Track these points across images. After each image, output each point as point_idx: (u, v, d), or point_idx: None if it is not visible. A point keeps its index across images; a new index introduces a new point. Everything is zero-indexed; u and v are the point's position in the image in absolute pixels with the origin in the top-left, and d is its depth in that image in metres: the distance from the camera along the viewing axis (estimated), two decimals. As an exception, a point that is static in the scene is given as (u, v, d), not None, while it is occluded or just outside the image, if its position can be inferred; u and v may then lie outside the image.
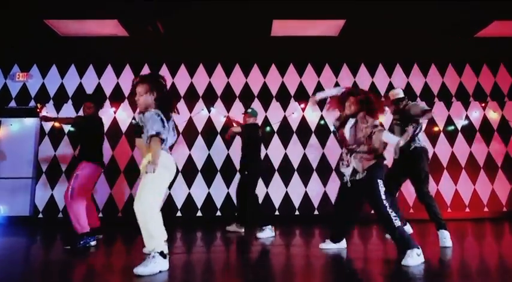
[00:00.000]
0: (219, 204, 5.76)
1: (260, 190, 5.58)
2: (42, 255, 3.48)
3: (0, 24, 4.83)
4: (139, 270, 2.45)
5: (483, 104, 6.15)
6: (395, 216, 2.87)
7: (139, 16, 4.67)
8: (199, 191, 5.78)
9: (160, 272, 2.50)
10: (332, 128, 5.98)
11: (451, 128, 6.08)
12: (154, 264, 2.49)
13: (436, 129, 6.06)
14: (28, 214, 5.76)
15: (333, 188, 5.84)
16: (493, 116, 6.12)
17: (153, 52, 5.87)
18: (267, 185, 5.83)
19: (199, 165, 5.86)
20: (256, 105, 6.05)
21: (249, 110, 4.94)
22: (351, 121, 3.27)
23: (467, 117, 6.12)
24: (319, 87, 6.14)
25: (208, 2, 4.34)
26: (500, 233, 4.59)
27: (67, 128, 5.92)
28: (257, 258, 3.21)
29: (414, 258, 2.71)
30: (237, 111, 5.92)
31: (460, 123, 6.09)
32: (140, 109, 2.81)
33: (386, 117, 5.44)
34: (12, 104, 6.02)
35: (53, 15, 4.62)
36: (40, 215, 5.72)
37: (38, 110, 5.96)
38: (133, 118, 5.94)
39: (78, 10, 4.49)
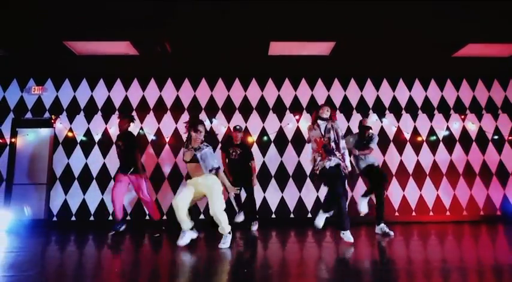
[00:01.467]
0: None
1: (258, 195, 6.10)
2: (58, 254, 3.95)
3: (21, 44, 5.32)
4: (224, 245, 3.91)
5: (462, 116, 6.70)
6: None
7: (150, 38, 5.19)
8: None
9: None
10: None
11: (433, 138, 6.62)
12: (229, 239, 3.99)
13: (419, 139, 6.60)
14: (43, 217, 6.22)
15: (325, 193, 6.34)
16: (472, 127, 6.67)
17: (159, 68, 6.38)
18: (264, 190, 6.33)
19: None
20: (255, 116, 6.57)
21: (237, 127, 5.72)
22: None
23: (448, 128, 6.66)
24: (312, 100, 6.67)
25: (212, 26, 4.87)
26: (477, 234, 5.11)
27: (79, 137, 6.39)
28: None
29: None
30: (237, 122, 6.44)
31: (441, 133, 6.64)
32: (197, 144, 4.09)
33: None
34: (28, 115, 6.49)
35: (72, 37, 5.12)
36: (54, 218, 6.18)
37: (53, 121, 6.43)
38: (141, 128, 6.43)
39: (95, 33, 4.99)
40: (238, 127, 5.70)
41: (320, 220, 4.36)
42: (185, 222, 4.05)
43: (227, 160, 5.67)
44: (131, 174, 5.25)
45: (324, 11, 4.49)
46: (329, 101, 6.69)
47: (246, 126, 6.52)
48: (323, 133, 4.22)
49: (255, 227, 5.57)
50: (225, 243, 3.95)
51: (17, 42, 5.25)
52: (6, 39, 5.16)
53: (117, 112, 6.54)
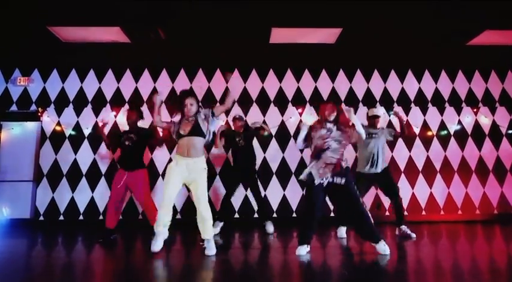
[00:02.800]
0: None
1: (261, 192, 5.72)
2: (45, 257, 3.57)
3: (3, 30, 4.91)
4: (210, 251, 3.44)
5: (475, 110, 6.33)
6: None
7: (141, 23, 4.78)
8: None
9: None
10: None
11: (444, 132, 6.25)
12: (213, 243, 3.53)
13: (429, 133, 6.22)
14: (29, 217, 5.83)
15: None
16: (485, 121, 6.30)
17: (153, 57, 5.98)
18: (265, 188, 5.95)
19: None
20: (255, 109, 6.18)
21: (238, 116, 5.43)
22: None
23: (459, 122, 6.29)
24: (315, 92, 6.29)
25: (209, 11, 4.46)
26: (490, 235, 4.75)
27: (68, 132, 6.00)
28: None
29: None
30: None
31: (452, 128, 6.26)
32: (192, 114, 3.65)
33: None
34: (14, 108, 6.09)
35: (57, 22, 4.70)
36: (41, 218, 5.79)
37: (40, 114, 6.04)
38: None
39: (81, 17, 4.58)
40: (238, 116, 5.39)
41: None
42: (166, 224, 3.59)
43: (233, 154, 5.32)
44: (134, 171, 4.54)
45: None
46: (334, 93, 6.30)
47: (245, 121, 6.13)
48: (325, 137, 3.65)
49: (271, 228, 5.04)
50: (211, 249, 3.47)
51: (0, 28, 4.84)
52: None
53: (108, 105, 6.14)
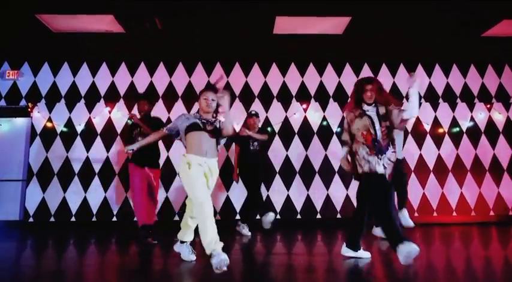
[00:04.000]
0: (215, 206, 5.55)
1: (264, 190, 5.41)
2: (33, 262, 3.25)
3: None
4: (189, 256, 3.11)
5: (488, 106, 6.02)
6: None
7: (136, 11, 4.46)
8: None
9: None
10: (336, 129, 5.82)
11: (456, 129, 5.94)
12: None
13: (441, 130, 5.92)
14: (18, 218, 5.51)
15: (336, 191, 5.67)
16: (499, 117, 5.99)
17: (149, 50, 5.66)
18: (268, 187, 5.63)
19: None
20: (257, 105, 5.86)
21: (253, 112, 5.00)
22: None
23: (472, 119, 5.98)
24: (321, 87, 5.98)
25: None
26: (504, 238, 4.45)
27: (60, 128, 5.68)
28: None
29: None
30: (238, 112, 5.74)
31: (465, 124, 5.96)
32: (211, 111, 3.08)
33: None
34: (2, 103, 5.76)
35: (46, 9, 4.38)
36: (31, 219, 5.46)
37: (30, 110, 5.72)
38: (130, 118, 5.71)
39: (72, 4, 4.26)
40: (254, 112, 4.95)
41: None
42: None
43: (241, 154, 4.83)
44: (152, 169, 4.31)
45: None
46: (340, 89, 6.00)
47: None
48: (374, 124, 3.04)
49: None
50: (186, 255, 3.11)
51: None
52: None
53: (102, 100, 5.82)
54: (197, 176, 2.81)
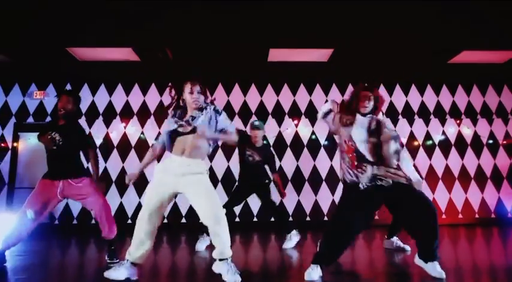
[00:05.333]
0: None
1: (255, 200, 6.21)
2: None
3: (24, 50, 5.40)
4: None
5: (458, 121, 6.83)
6: None
7: (151, 44, 5.28)
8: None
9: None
10: (323, 142, 6.62)
11: (429, 142, 6.75)
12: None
13: (415, 143, 6.73)
14: (45, 221, 6.28)
15: (323, 196, 6.45)
16: (467, 131, 6.80)
17: (160, 73, 6.47)
18: (263, 194, 6.42)
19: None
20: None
21: (256, 123, 4.59)
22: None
23: (443, 133, 6.79)
24: (310, 105, 6.79)
25: (213, 33, 4.97)
26: (472, 237, 5.22)
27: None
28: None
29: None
30: (237, 127, 6.54)
31: (437, 138, 6.77)
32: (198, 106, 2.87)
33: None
34: (30, 119, 6.56)
35: (76, 43, 5.20)
36: (56, 222, 6.25)
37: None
38: (142, 133, 6.50)
39: (99, 39, 5.09)
40: (257, 123, 4.50)
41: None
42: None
43: (241, 165, 4.62)
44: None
45: (321, 19, 4.59)
46: (327, 106, 6.80)
47: (245, 131, 6.61)
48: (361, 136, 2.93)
49: (295, 239, 4.42)
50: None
51: (22, 49, 5.34)
52: (11, 46, 5.25)
53: (118, 117, 6.63)
54: (151, 191, 2.79)
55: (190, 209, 6.28)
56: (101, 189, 3.65)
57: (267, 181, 4.58)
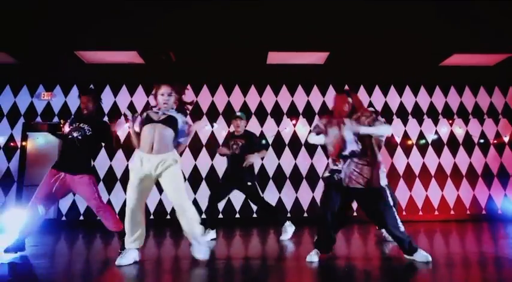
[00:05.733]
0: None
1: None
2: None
3: (34, 53, 5.67)
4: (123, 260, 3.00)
5: (450, 121, 7.09)
6: None
7: (155, 48, 5.54)
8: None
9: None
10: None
11: (423, 141, 7.00)
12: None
13: (409, 142, 6.98)
14: (53, 217, 6.54)
15: (320, 193, 6.69)
16: (459, 131, 7.06)
17: (163, 74, 6.72)
18: (262, 191, 6.67)
19: (203, 174, 6.71)
20: (253, 121, 6.93)
21: (239, 113, 4.85)
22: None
23: (436, 133, 7.05)
24: (308, 105, 7.04)
25: (215, 37, 5.23)
26: (462, 232, 5.48)
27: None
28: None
29: None
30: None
31: (430, 137, 7.02)
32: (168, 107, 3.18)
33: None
34: (38, 119, 6.82)
35: (85, 47, 5.47)
36: (63, 218, 6.51)
37: (61, 125, 6.76)
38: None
39: (106, 43, 5.35)
40: (239, 114, 4.80)
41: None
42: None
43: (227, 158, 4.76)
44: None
45: (318, 24, 4.86)
46: (324, 107, 7.06)
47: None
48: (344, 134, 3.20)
49: (290, 230, 4.65)
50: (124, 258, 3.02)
51: (32, 52, 5.60)
52: (21, 49, 5.51)
53: (122, 117, 6.88)
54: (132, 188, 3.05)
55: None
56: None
57: (249, 183, 4.58)
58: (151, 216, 6.49)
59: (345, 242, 4.37)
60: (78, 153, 3.65)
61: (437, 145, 7.00)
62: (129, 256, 3.07)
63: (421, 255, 3.05)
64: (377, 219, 3.35)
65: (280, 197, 6.68)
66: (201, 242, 3.16)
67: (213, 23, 4.81)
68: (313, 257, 3.13)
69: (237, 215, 6.61)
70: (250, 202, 5.09)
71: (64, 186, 3.59)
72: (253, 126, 6.91)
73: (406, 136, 7.02)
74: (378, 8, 4.47)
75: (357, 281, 2.68)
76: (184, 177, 6.62)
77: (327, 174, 3.31)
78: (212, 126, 6.90)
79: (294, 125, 6.97)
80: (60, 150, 3.79)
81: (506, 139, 7.03)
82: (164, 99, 3.15)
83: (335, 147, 3.25)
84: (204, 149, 6.82)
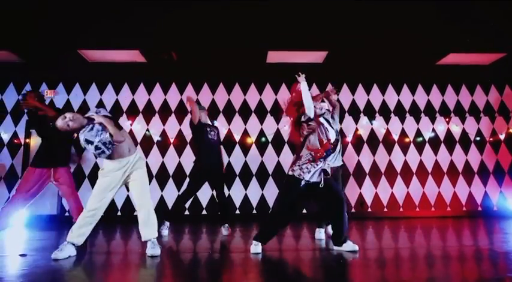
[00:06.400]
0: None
1: (257, 193, 6.61)
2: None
3: (38, 51, 5.77)
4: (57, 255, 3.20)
5: (447, 119, 7.20)
6: None
7: (157, 47, 5.65)
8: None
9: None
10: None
11: (420, 139, 7.12)
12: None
13: (407, 140, 7.10)
14: (56, 213, 6.66)
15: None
16: (455, 129, 7.17)
17: (164, 73, 6.83)
18: (262, 187, 6.79)
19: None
20: (253, 119, 7.04)
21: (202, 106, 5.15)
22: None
23: (433, 130, 7.16)
24: (307, 104, 7.13)
25: (216, 37, 5.33)
26: (458, 228, 5.60)
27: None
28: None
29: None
30: (237, 124, 6.92)
31: (427, 135, 7.14)
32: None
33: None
34: (41, 117, 6.92)
35: (88, 46, 5.57)
36: (66, 214, 6.62)
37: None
38: (147, 129, 6.87)
39: (110, 42, 5.45)
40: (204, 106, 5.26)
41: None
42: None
43: (198, 148, 5.00)
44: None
45: (318, 23, 4.96)
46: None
47: (245, 128, 7.00)
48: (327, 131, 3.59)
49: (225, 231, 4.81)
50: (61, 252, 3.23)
51: (36, 50, 5.70)
52: (25, 48, 5.62)
53: (124, 114, 6.99)
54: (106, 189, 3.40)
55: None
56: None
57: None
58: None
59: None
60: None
61: (434, 143, 7.12)
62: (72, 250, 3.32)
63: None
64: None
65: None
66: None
67: (213, 23, 4.92)
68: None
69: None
70: (215, 196, 5.11)
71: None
72: (254, 124, 7.03)
73: (403, 134, 7.13)
74: (376, 8, 4.57)
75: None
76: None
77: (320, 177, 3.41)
78: (213, 124, 7.00)
79: (293, 123, 7.07)
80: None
81: (502, 137, 7.14)
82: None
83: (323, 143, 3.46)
84: (204, 146, 6.91)
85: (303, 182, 3.32)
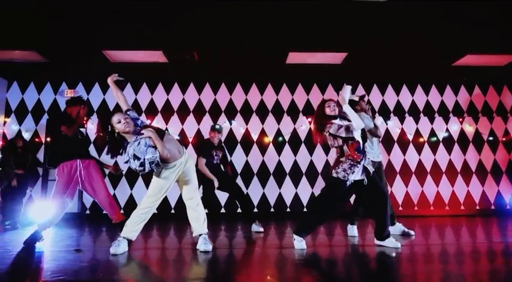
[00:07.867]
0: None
1: (274, 191, 6.73)
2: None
3: (62, 52, 5.85)
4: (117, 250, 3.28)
5: (460, 119, 7.32)
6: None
7: (180, 48, 5.74)
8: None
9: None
10: None
11: (434, 139, 7.24)
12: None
13: (421, 140, 7.21)
14: (77, 211, 6.76)
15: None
16: (469, 129, 7.29)
17: (182, 73, 6.92)
18: (279, 186, 6.90)
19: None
20: (270, 119, 7.14)
21: (217, 126, 5.06)
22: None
23: (447, 130, 7.28)
24: (323, 104, 7.25)
25: (240, 37, 5.43)
26: (472, 227, 5.73)
27: (110, 137, 6.93)
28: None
29: None
30: (255, 124, 7.03)
31: (441, 135, 7.26)
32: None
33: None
34: (62, 116, 7.01)
35: (112, 46, 5.66)
36: (87, 211, 6.72)
37: (84, 122, 6.92)
38: (166, 129, 6.97)
39: (134, 43, 5.54)
40: (217, 127, 5.04)
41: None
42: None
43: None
44: None
45: (339, 25, 5.06)
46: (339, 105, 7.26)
47: (262, 128, 7.11)
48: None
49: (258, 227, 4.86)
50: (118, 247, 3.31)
51: (61, 51, 5.79)
52: (52, 48, 5.70)
53: (143, 114, 7.08)
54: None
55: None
56: None
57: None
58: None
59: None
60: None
61: (448, 142, 7.23)
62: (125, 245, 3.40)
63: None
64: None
65: (296, 193, 6.91)
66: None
67: (238, 23, 5.00)
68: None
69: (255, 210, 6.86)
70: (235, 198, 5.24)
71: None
72: (270, 124, 7.13)
73: (417, 134, 7.24)
74: (398, 10, 4.67)
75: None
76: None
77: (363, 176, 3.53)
78: (230, 124, 7.10)
79: (310, 123, 7.19)
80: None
81: (514, 137, 7.28)
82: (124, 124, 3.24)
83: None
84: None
85: (348, 183, 3.43)
